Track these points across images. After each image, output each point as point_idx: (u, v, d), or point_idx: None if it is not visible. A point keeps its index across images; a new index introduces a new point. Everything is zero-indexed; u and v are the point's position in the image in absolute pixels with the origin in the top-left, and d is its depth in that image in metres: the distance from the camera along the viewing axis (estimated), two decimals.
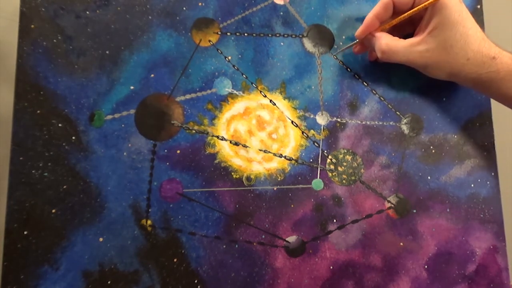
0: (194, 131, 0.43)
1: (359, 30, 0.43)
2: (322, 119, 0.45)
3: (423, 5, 0.39)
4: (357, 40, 0.44)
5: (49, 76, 0.43)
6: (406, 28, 0.44)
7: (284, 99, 0.45)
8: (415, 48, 0.40)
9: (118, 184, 0.42)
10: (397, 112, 0.45)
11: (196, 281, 0.41)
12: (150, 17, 0.45)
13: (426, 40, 0.39)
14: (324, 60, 0.46)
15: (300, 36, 0.46)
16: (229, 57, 0.45)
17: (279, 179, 0.43)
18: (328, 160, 0.44)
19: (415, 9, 0.40)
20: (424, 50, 0.40)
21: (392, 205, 0.44)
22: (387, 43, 0.41)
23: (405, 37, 0.42)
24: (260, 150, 0.44)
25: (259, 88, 0.45)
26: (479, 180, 0.45)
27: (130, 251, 0.41)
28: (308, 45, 0.46)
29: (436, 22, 0.39)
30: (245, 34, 0.45)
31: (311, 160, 0.44)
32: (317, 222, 0.43)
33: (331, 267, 0.43)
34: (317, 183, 0.44)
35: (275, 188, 0.43)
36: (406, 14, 0.40)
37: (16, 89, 0.42)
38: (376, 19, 0.42)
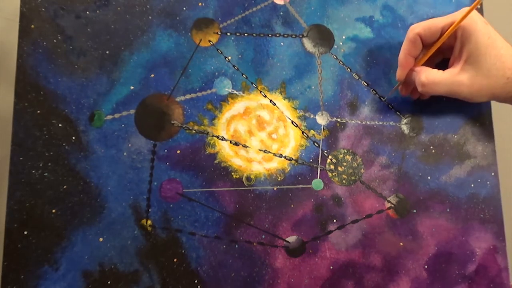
0: (194, 131, 0.43)
1: (398, 72, 0.43)
2: (322, 119, 0.45)
3: (451, 28, 0.39)
4: (400, 82, 0.43)
5: (49, 76, 0.43)
6: (436, 59, 0.44)
7: (284, 99, 0.45)
8: (456, 78, 0.40)
9: (118, 184, 0.42)
10: (397, 112, 0.45)
11: (196, 281, 0.41)
12: (150, 17, 0.45)
13: (464, 69, 0.39)
14: (324, 60, 0.46)
15: (300, 36, 0.46)
16: (229, 57, 0.45)
17: (279, 179, 0.43)
18: (328, 160, 0.44)
19: (447, 33, 0.39)
20: (465, 78, 0.39)
21: (392, 205, 0.44)
22: (427, 76, 0.40)
23: (436, 67, 0.42)
24: (260, 150, 0.44)
25: (259, 88, 0.45)
26: (479, 180, 0.45)
27: (130, 251, 0.41)
28: (308, 45, 0.46)
29: (469, 50, 0.39)
30: (245, 34, 0.45)
31: (311, 160, 0.44)
32: (317, 222, 0.43)
33: (331, 267, 0.43)
34: (317, 183, 0.44)
35: (275, 188, 0.43)
36: (438, 42, 0.40)
37: (16, 89, 0.42)
38: (409, 56, 0.42)
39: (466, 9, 0.38)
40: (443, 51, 0.43)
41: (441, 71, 0.41)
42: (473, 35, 0.38)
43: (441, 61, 0.44)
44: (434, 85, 0.40)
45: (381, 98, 0.46)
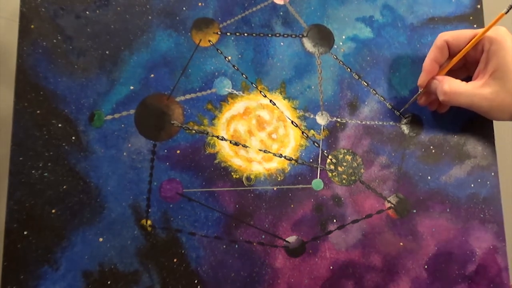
0: (194, 131, 0.43)
1: (421, 78, 0.42)
2: (322, 119, 0.45)
3: (479, 36, 0.39)
4: (421, 90, 0.43)
5: (49, 76, 0.43)
6: (460, 74, 0.43)
7: (284, 99, 0.45)
8: (478, 91, 0.39)
9: (118, 184, 0.42)
10: (397, 112, 0.45)
11: (196, 281, 0.41)
12: (150, 17, 0.45)
13: (489, 83, 0.39)
14: (324, 60, 0.46)
15: (300, 36, 0.46)
16: (229, 57, 0.45)
17: (279, 179, 0.43)
18: (328, 160, 0.44)
19: (474, 40, 0.39)
20: (488, 93, 0.39)
21: (392, 205, 0.44)
22: (450, 85, 0.40)
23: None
24: (260, 150, 0.44)
25: (259, 88, 0.45)
26: (479, 180, 0.45)
27: (130, 251, 0.41)
28: (308, 45, 0.46)
29: (496, 64, 0.38)
30: (245, 34, 0.45)
31: (311, 160, 0.44)
32: (317, 222, 0.43)
33: (331, 267, 0.43)
34: (317, 183, 0.44)
35: (275, 188, 0.43)
36: (464, 49, 0.40)
37: (16, 89, 0.42)
38: (435, 63, 0.41)
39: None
40: (468, 67, 0.43)
41: (464, 82, 0.40)
42: (502, 50, 0.38)
43: (466, 78, 0.44)
44: (456, 95, 0.40)
45: (381, 98, 0.45)
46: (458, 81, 0.41)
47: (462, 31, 0.41)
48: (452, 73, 0.43)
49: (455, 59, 0.41)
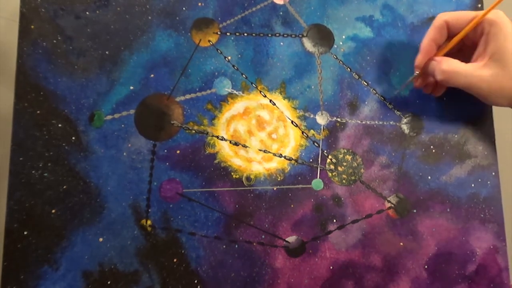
0: (194, 131, 0.43)
1: (418, 58, 0.42)
2: (322, 119, 0.45)
3: (480, 17, 0.38)
4: (417, 72, 0.42)
5: (49, 76, 0.43)
6: (457, 57, 0.42)
7: (284, 99, 0.45)
8: (478, 72, 0.38)
9: (118, 184, 0.42)
10: (397, 112, 0.45)
11: (196, 281, 0.41)
12: (150, 17, 0.45)
13: (489, 65, 0.38)
14: (324, 60, 0.46)
15: (300, 36, 0.46)
16: (229, 57, 0.45)
17: (279, 179, 0.43)
18: (328, 160, 0.44)
19: (474, 21, 0.39)
20: (488, 75, 0.38)
21: (392, 205, 0.44)
22: (449, 65, 0.39)
23: None
24: (260, 150, 0.44)
25: (259, 88, 0.45)
26: (479, 180, 0.45)
27: (130, 251, 0.41)
28: (308, 45, 0.46)
29: (495, 47, 0.38)
30: (245, 34, 0.45)
31: (311, 160, 0.44)
32: (317, 222, 0.43)
33: (331, 267, 0.43)
34: (317, 183, 0.44)
35: (275, 188, 0.43)
36: (462, 32, 0.39)
37: (16, 89, 0.42)
38: (434, 43, 0.41)
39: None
40: (465, 51, 0.42)
41: (463, 62, 0.40)
42: (502, 31, 0.37)
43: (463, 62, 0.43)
44: (455, 75, 0.39)
45: (381, 98, 0.45)
46: (457, 61, 0.40)
47: (462, 12, 0.40)
48: (449, 55, 0.42)
49: (455, 40, 0.40)
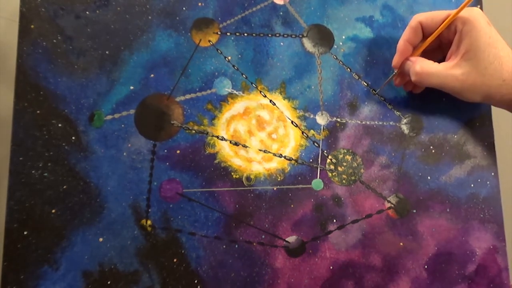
0: (194, 131, 0.43)
1: (395, 59, 0.43)
2: (322, 119, 0.45)
3: (451, 17, 0.39)
4: (396, 71, 0.43)
5: (49, 76, 0.43)
6: (436, 55, 0.44)
7: (284, 99, 0.45)
8: (450, 72, 0.39)
9: (118, 184, 0.42)
10: (397, 112, 0.45)
11: (196, 281, 0.41)
12: (150, 17, 0.45)
13: (460, 64, 0.39)
14: (324, 60, 0.46)
15: (300, 36, 0.46)
16: (229, 57, 0.45)
17: (279, 179, 0.43)
18: (328, 160, 0.44)
19: (446, 21, 0.39)
20: (459, 73, 0.39)
21: (392, 205, 0.44)
22: (422, 66, 0.40)
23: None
24: (260, 150, 0.44)
25: (259, 88, 0.45)
26: (479, 180, 0.45)
27: (130, 251, 0.41)
28: (308, 45, 0.46)
29: (468, 45, 0.38)
30: (245, 34, 0.45)
31: (311, 160, 0.44)
32: (317, 222, 0.43)
33: (331, 267, 0.43)
34: (317, 183, 0.44)
35: (275, 188, 0.43)
36: (435, 32, 0.40)
37: (16, 89, 0.42)
38: (408, 44, 0.41)
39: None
40: (443, 48, 0.43)
41: (436, 63, 0.41)
42: (474, 30, 0.38)
43: (441, 59, 0.44)
44: (428, 76, 0.40)
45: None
46: (430, 61, 0.41)
47: (437, 12, 0.41)
48: (427, 54, 0.43)
49: (428, 40, 0.41)
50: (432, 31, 0.41)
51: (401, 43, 0.42)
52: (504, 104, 0.40)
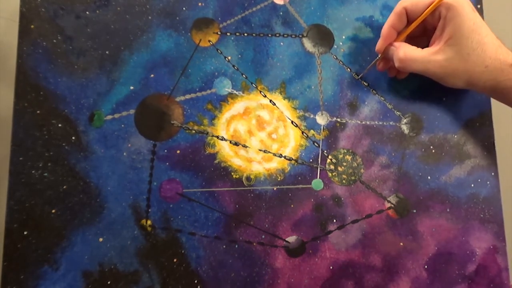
0: (194, 131, 0.43)
1: (378, 43, 0.43)
2: (322, 119, 0.45)
3: (433, 5, 0.39)
4: (379, 56, 0.44)
5: (49, 76, 0.43)
6: (421, 41, 0.43)
7: (284, 99, 0.45)
8: (433, 57, 0.40)
9: (118, 184, 0.42)
10: (397, 112, 0.45)
11: (196, 281, 0.41)
12: (150, 17, 0.45)
13: (443, 49, 0.39)
14: (324, 60, 0.46)
15: (300, 36, 0.46)
16: (229, 57, 0.45)
17: (279, 179, 0.43)
18: (328, 160, 0.44)
19: (430, 7, 0.39)
20: (442, 59, 0.39)
21: (392, 205, 0.44)
22: (405, 52, 0.40)
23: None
24: (260, 150, 0.44)
25: (259, 88, 0.45)
26: (479, 180, 0.45)
27: (130, 251, 0.41)
28: (308, 45, 0.46)
29: (451, 31, 0.38)
30: (245, 34, 0.45)
31: (311, 160, 0.44)
32: (317, 222, 0.43)
33: (331, 267, 0.43)
34: (317, 183, 0.44)
35: (275, 188, 0.43)
36: (419, 18, 0.40)
37: (16, 89, 0.42)
38: (393, 29, 0.42)
39: None
40: (428, 34, 0.43)
41: (419, 48, 0.41)
42: (458, 16, 0.38)
43: (427, 45, 0.43)
44: (411, 62, 0.40)
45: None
46: (414, 47, 0.41)
47: None
48: (412, 40, 0.43)
49: (412, 26, 0.41)
50: (417, 17, 0.41)
51: (385, 28, 0.42)
52: (487, 90, 0.40)
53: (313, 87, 0.45)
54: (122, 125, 0.43)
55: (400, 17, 0.41)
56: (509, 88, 0.39)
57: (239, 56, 0.45)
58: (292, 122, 0.45)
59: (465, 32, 0.38)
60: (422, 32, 0.43)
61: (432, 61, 0.40)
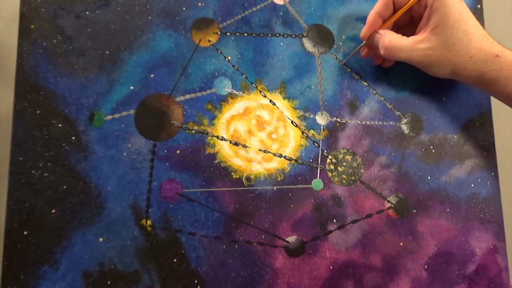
0: (194, 131, 0.43)
1: (363, 30, 0.43)
2: (322, 119, 0.45)
3: None
4: (364, 42, 0.44)
5: (49, 76, 0.43)
6: (408, 29, 0.44)
7: (284, 99, 0.45)
8: (418, 46, 0.40)
9: (118, 184, 0.42)
10: (397, 112, 0.45)
11: (196, 281, 0.41)
12: (149, 17, 0.45)
13: (428, 38, 0.39)
14: (323, 60, 0.46)
15: (300, 36, 0.46)
16: (229, 57, 0.45)
17: (279, 179, 0.43)
18: (328, 160, 0.44)
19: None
20: (427, 48, 0.39)
21: (392, 205, 0.44)
22: (390, 40, 0.40)
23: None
24: (260, 150, 0.44)
25: (259, 88, 0.45)
26: (479, 180, 0.45)
27: (130, 251, 0.41)
28: (308, 45, 0.46)
29: (437, 20, 0.38)
30: (245, 34, 0.45)
31: (311, 160, 0.44)
32: (317, 222, 0.43)
33: (331, 267, 0.43)
34: (317, 183, 0.44)
35: (275, 188, 0.43)
36: (405, 6, 0.40)
37: (16, 89, 0.42)
38: (378, 17, 0.42)
39: None
40: (415, 23, 0.43)
41: (405, 37, 0.41)
42: (444, 6, 0.38)
43: (413, 34, 0.43)
44: (396, 50, 0.40)
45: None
46: (399, 35, 0.41)
47: None
48: (399, 29, 0.43)
49: (398, 14, 0.41)
50: (403, 5, 0.41)
51: (371, 15, 0.42)
52: (471, 80, 0.40)
53: (313, 87, 0.45)
54: (122, 125, 0.43)
55: (387, 4, 0.41)
56: (493, 79, 0.39)
57: (239, 56, 0.45)
58: (292, 122, 0.45)
59: (451, 22, 0.38)
60: (408, 21, 0.43)
61: (417, 49, 0.40)
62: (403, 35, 0.41)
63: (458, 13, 0.38)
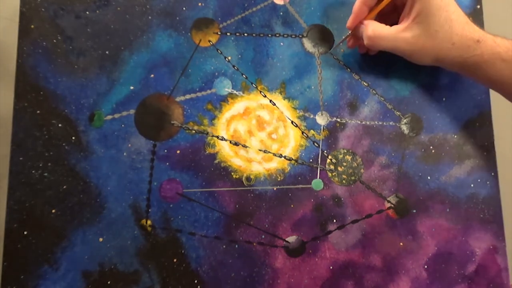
0: (194, 131, 0.43)
1: (350, 20, 0.43)
2: (322, 119, 0.45)
3: None
4: (350, 33, 0.44)
5: (49, 76, 0.43)
6: (392, 18, 0.44)
7: (284, 99, 0.45)
8: (401, 35, 0.40)
9: (118, 184, 0.42)
10: (397, 112, 0.45)
11: (196, 281, 0.41)
12: (150, 17, 0.45)
13: (411, 27, 0.39)
14: (324, 60, 0.46)
15: (300, 36, 0.46)
16: (229, 57, 0.45)
17: (279, 179, 0.43)
18: (328, 160, 0.44)
19: None
20: (410, 36, 0.40)
21: (392, 205, 0.44)
22: (374, 29, 0.41)
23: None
24: (260, 150, 0.44)
25: (259, 88, 0.45)
26: (479, 180, 0.45)
27: (130, 251, 0.41)
28: (308, 45, 0.46)
29: (419, 8, 0.39)
30: (245, 34, 0.45)
31: (311, 160, 0.44)
32: (317, 222, 0.43)
33: (331, 267, 0.43)
34: (317, 183, 0.44)
35: (275, 188, 0.43)
36: None
37: (16, 89, 0.42)
38: (364, 6, 0.42)
39: None
40: (399, 11, 0.43)
41: (388, 26, 0.41)
42: None
43: (397, 23, 0.43)
44: (379, 40, 0.41)
45: (381, 98, 0.45)
46: (382, 25, 0.41)
47: None
48: (383, 17, 0.43)
49: (383, 3, 0.41)
50: None
51: (356, 5, 0.42)
52: (455, 67, 0.41)
53: (313, 87, 0.45)
54: (122, 125, 0.43)
55: None
56: (476, 65, 0.39)
57: (239, 56, 0.45)
58: (292, 122, 0.45)
59: (433, 9, 0.38)
60: (392, 9, 0.43)
61: (400, 38, 0.40)
62: (386, 23, 0.41)
63: (440, 0, 0.38)
